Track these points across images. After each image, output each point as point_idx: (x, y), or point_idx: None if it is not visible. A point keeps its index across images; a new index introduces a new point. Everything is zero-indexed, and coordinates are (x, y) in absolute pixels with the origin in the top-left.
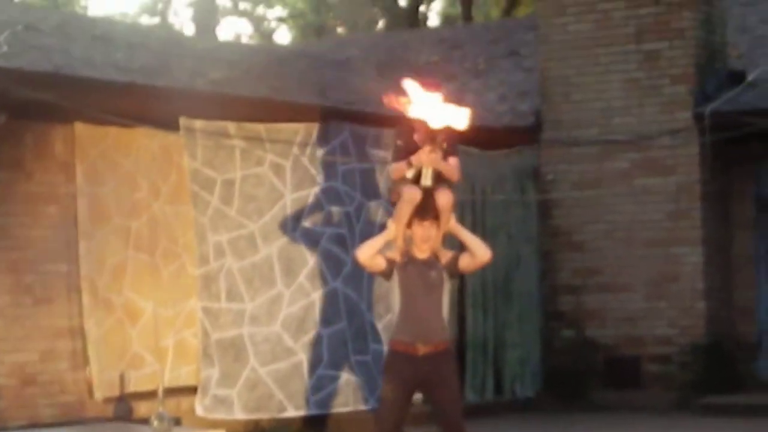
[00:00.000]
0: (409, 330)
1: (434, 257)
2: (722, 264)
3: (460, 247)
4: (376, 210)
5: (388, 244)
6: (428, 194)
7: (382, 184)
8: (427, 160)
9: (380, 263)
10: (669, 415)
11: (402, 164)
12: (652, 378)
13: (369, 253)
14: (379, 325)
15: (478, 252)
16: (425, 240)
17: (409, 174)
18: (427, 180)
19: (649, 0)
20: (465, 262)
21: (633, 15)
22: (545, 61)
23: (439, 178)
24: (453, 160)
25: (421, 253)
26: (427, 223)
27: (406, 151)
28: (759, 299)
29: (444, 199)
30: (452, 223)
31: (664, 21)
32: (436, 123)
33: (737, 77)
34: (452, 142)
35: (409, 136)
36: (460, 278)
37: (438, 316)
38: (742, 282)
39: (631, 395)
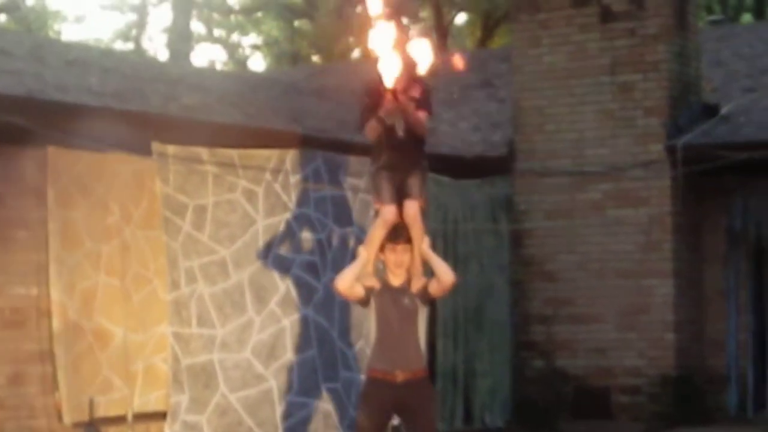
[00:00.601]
0: (386, 357)
1: (407, 284)
2: (693, 296)
3: (431, 274)
4: (348, 237)
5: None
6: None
7: (355, 211)
8: (395, 107)
9: (359, 291)
10: None
11: (374, 122)
12: (622, 409)
13: (348, 282)
14: (350, 353)
15: (442, 275)
16: (399, 265)
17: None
18: (400, 130)
19: (623, 32)
20: (433, 287)
21: (607, 47)
22: (519, 92)
23: (411, 136)
24: (422, 114)
25: (396, 278)
26: (399, 248)
27: (374, 108)
28: (729, 332)
29: (411, 209)
30: (423, 246)
31: (639, 53)
32: (399, 68)
33: (711, 110)
34: (423, 94)
35: (376, 93)
36: (431, 306)
37: (415, 343)
38: (712, 314)
39: (600, 426)
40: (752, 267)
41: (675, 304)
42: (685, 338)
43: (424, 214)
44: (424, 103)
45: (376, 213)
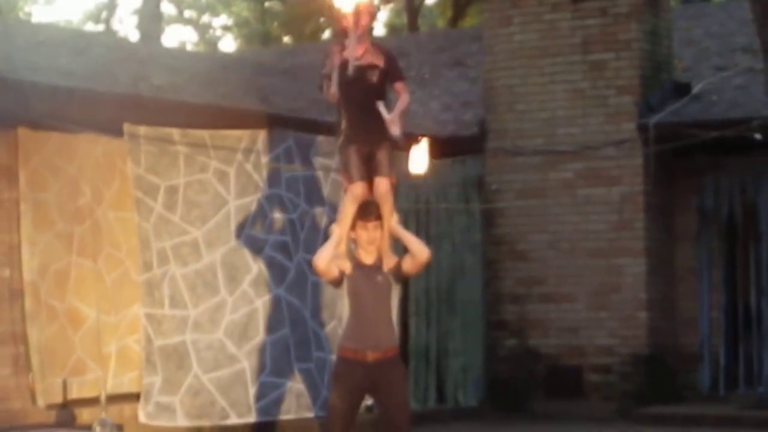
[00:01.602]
0: (358, 336)
1: (380, 261)
2: (665, 275)
3: (403, 252)
4: (320, 217)
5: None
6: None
7: (326, 191)
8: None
9: (333, 271)
10: (610, 425)
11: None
12: (594, 388)
13: (326, 259)
14: (323, 333)
15: (417, 251)
16: (370, 242)
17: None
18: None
19: (595, 11)
20: (407, 264)
21: (579, 26)
22: (490, 71)
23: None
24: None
25: (368, 255)
26: (370, 225)
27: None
28: (701, 310)
29: (382, 186)
30: (393, 223)
31: (611, 32)
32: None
33: (682, 89)
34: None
35: (335, 56)
36: (404, 286)
37: (387, 322)
38: (684, 293)
39: (572, 405)
40: (724, 245)
41: (647, 282)
42: (657, 317)
43: (396, 190)
44: (395, 73)
45: (345, 190)
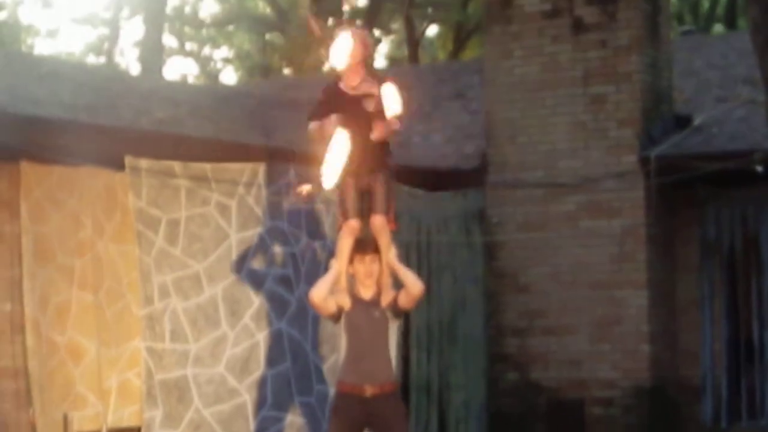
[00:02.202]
0: (355, 371)
1: (378, 296)
2: (667, 307)
3: (399, 285)
4: (321, 251)
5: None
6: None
7: (328, 224)
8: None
9: (331, 306)
10: None
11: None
12: (596, 421)
13: (322, 294)
14: (324, 366)
15: (410, 285)
16: (368, 275)
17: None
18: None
19: (595, 44)
20: (402, 299)
21: (580, 58)
22: (491, 104)
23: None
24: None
25: (366, 290)
26: (368, 258)
27: (327, 105)
28: (704, 343)
29: (378, 222)
30: (390, 258)
31: (611, 65)
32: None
33: (683, 121)
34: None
35: (332, 92)
36: (404, 319)
37: (385, 357)
38: (686, 325)
39: None
40: (726, 277)
41: (649, 315)
42: (659, 349)
43: (396, 222)
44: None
45: (340, 226)
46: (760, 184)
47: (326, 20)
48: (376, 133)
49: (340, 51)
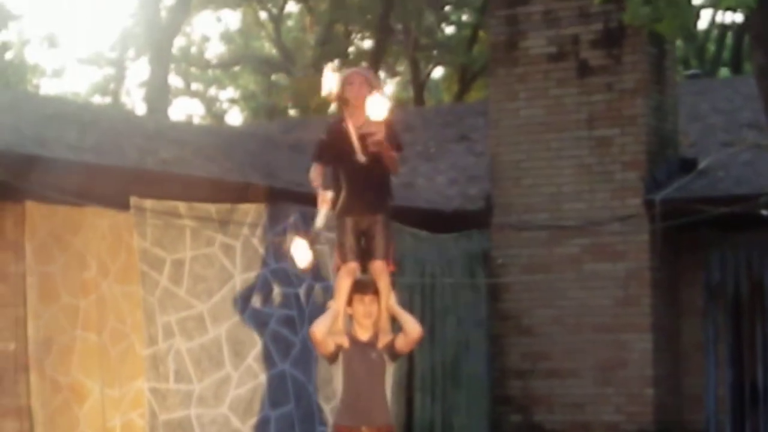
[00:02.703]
0: (352, 413)
1: (375, 338)
2: (671, 351)
3: (397, 329)
4: (325, 291)
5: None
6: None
7: (332, 266)
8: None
9: (330, 344)
10: None
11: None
12: None
13: (323, 331)
14: (327, 408)
15: (409, 329)
16: (367, 315)
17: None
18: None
19: (601, 87)
20: (400, 342)
21: (585, 101)
22: (496, 146)
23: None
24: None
25: (364, 331)
26: (367, 299)
27: (331, 145)
28: (708, 387)
29: (377, 266)
30: (390, 301)
31: (616, 108)
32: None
33: (688, 165)
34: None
35: (336, 133)
36: (408, 361)
37: (381, 399)
38: (691, 369)
39: None
40: (730, 321)
41: (653, 358)
42: (664, 393)
43: (399, 268)
44: (392, 143)
45: (337, 268)
46: (765, 228)
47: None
48: (376, 141)
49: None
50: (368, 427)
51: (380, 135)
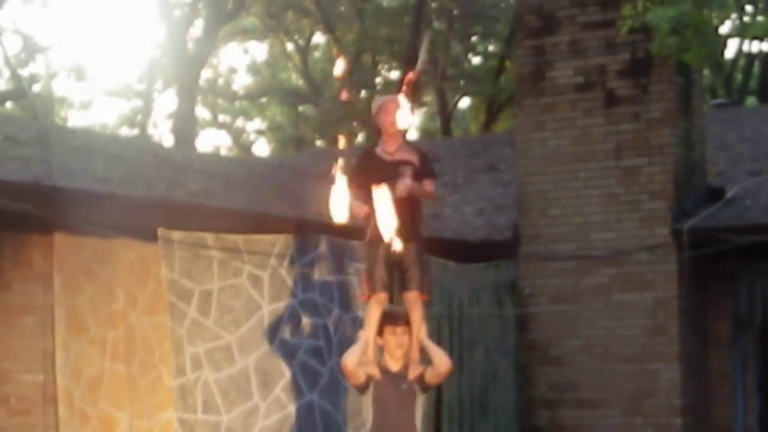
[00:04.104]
0: None
1: (405, 369)
2: (699, 381)
3: (427, 361)
4: (353, 322)
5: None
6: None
7: (360, 296)
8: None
9: (360, 375)
10: None
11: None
12: None
13: (354, 362)
14: None
15: (438, 362)
16: (399, 346)
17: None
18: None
19: (628, 116)
20: (429, 375)
21: (612, 131)
22: (523, 176)
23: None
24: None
25: (395, 362)
26: (399, 330)
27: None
28: (736, 416)
29: (411, 297)
30: (421, 334)
31: (644, 137)
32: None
33: (716, 194)
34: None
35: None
36: (437, 391)
37: (411, 429)
38: (719, 399)
39: None
40: (758, 351)
41: (682, 388)
42: (692, 423)
43: (430, 299)
44: (426, 170)
45: (366, 297)
46: None
47: (359, 92)
48: (402, 189)
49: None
50: None
51: (406, 182)
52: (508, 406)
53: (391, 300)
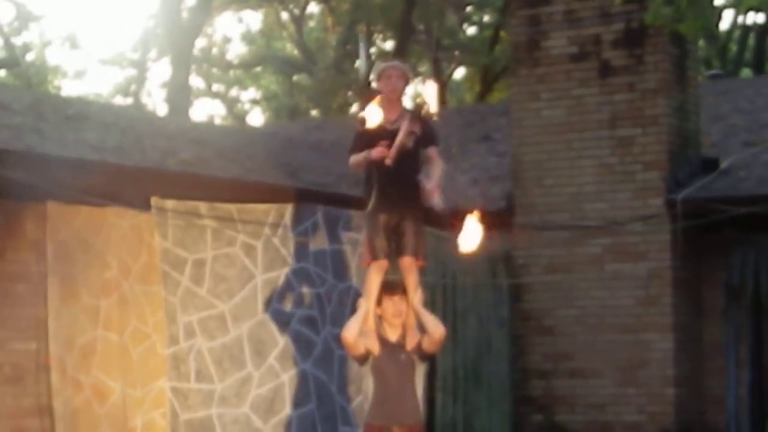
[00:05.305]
0: (383, 413)
1: (403, 339)
2: (692, 351)
3: (423, 328)
4: (347, 292)
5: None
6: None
7: (354, 266)
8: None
9: (360, 347)
10: None
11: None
12: None
13: (355, 333)
14: (350, 407)
15: (431, 329)
16: (396, 315)
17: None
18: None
19: (623, 87)
20: (426, 343)
21: (607, 101)
22: (518, 146)
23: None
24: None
25: (393, 330)
26: (396, 297)
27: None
28: (729, 387)
29: (407, 263)
30: (415, 300)
31: (638, 108)
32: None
33: (710, 165)
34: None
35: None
36: (431, 361)
37: (412, 398)
38: (712, 370)
39: None
40: (751, 322)
41: (674, 358)
42: (685, 393)
43: (424, 270)
44: (429, 138)
45: (367, 264)
46: None
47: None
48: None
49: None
50: (399, 427)
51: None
52: (501, 376)
53: (391, 269)
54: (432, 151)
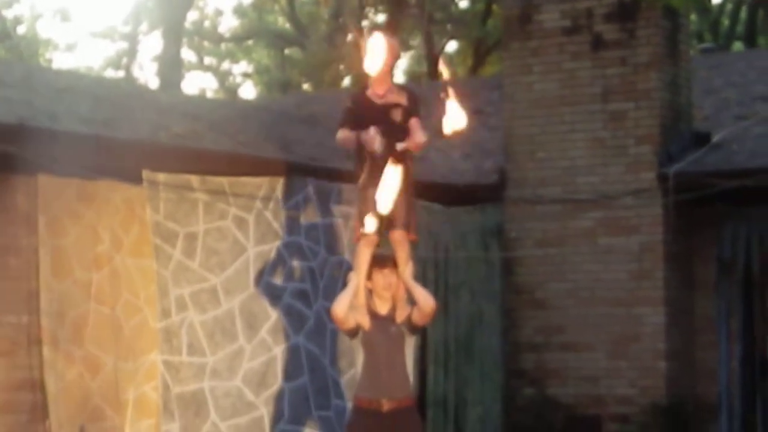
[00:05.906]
0: (373, 386)
1: (393, 312)
2: (684, 325)
3: (414, 301)
4: (339, 265)
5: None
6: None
7: (346, 239)
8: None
9: (351, 321)
10: None
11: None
12: None
13: (344, 308)
14: (342, 381)
15: (422, 303)
16: (386, 287)
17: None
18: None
19: (615, 60)
20: (416, 316)
21: (599, 75)
22: (510, 120)
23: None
24: (413, 121)
25: (383, 304)
26: (386, 270)
27: (354, 113)
28: (720, 361)
29: (397, 235)
30: (405, 274)
31: (630, 82)
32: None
33: (702, 139)
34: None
35: (360, 100)
36: (422, 334)
37: (402, 372)
38: (703, 343)
39: None
40: (742, 295)
41: (666, 332)
42: (676, 367)
43: (415, 244)
44: (413, 110)
45: (358, 238)
46: None
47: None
48: (410, 145)
49: (375, 55)
50: (389, 400)
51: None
52: (493, 349)
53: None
54: (414, 122)
